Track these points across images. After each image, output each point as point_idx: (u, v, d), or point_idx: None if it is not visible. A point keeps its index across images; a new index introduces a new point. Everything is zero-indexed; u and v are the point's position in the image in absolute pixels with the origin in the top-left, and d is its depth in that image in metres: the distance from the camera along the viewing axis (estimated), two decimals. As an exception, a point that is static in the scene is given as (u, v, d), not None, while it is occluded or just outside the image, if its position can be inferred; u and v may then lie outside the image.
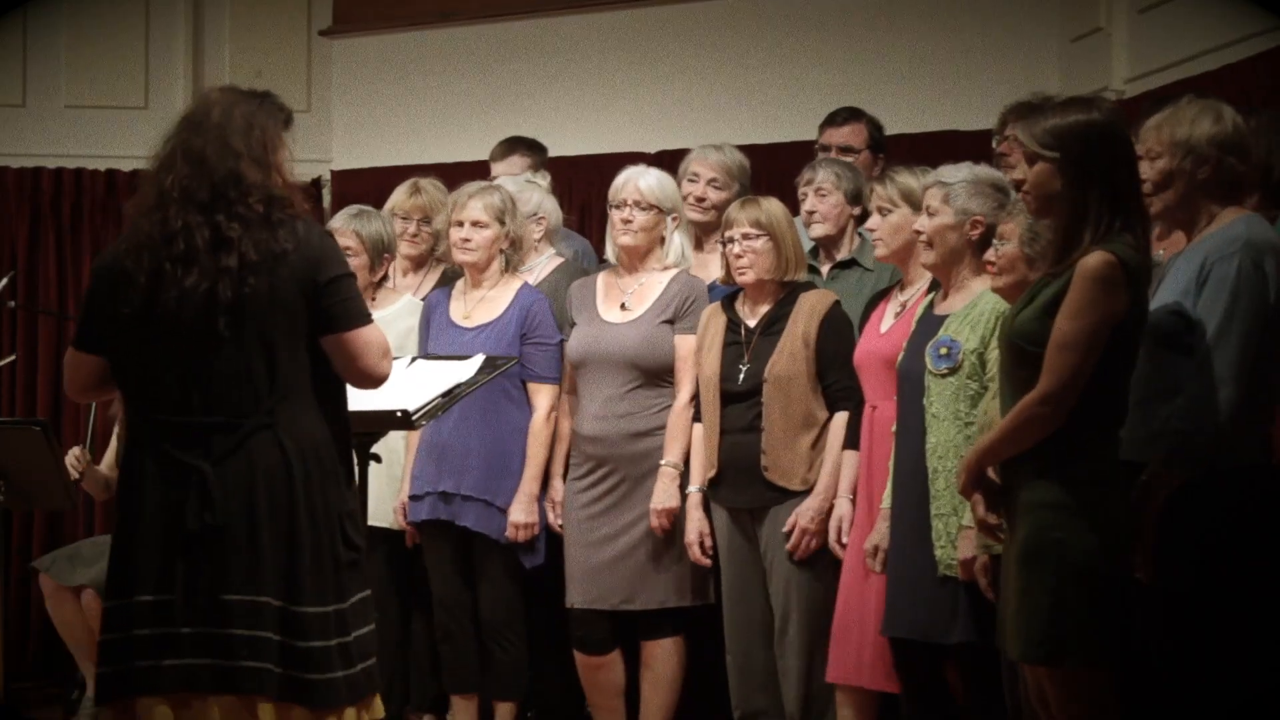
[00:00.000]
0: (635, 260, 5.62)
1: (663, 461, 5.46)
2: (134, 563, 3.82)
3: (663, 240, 5.61)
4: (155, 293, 3.78)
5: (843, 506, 5.13)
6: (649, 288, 5.60)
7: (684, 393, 5.50)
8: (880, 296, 5.26)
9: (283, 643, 3.75)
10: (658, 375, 5.53)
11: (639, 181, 5.58)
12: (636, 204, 5.56)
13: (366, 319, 3.86)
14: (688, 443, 5.47)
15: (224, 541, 3.76)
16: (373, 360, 3.86)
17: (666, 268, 5.61)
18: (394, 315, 5.85)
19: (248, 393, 3.78)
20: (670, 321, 5.53)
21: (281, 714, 3.77)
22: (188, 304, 3.76)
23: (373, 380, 3.89)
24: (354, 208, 6.07)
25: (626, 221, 5.57)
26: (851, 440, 5.17)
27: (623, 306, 5.60)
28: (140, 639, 3.79)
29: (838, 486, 5.16)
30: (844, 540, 5.09)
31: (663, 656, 5.53)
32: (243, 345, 3.76)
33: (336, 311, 3.81)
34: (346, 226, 5.87)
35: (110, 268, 3.86)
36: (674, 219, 5.61)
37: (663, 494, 5.44)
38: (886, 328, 5.09)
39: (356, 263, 5.77)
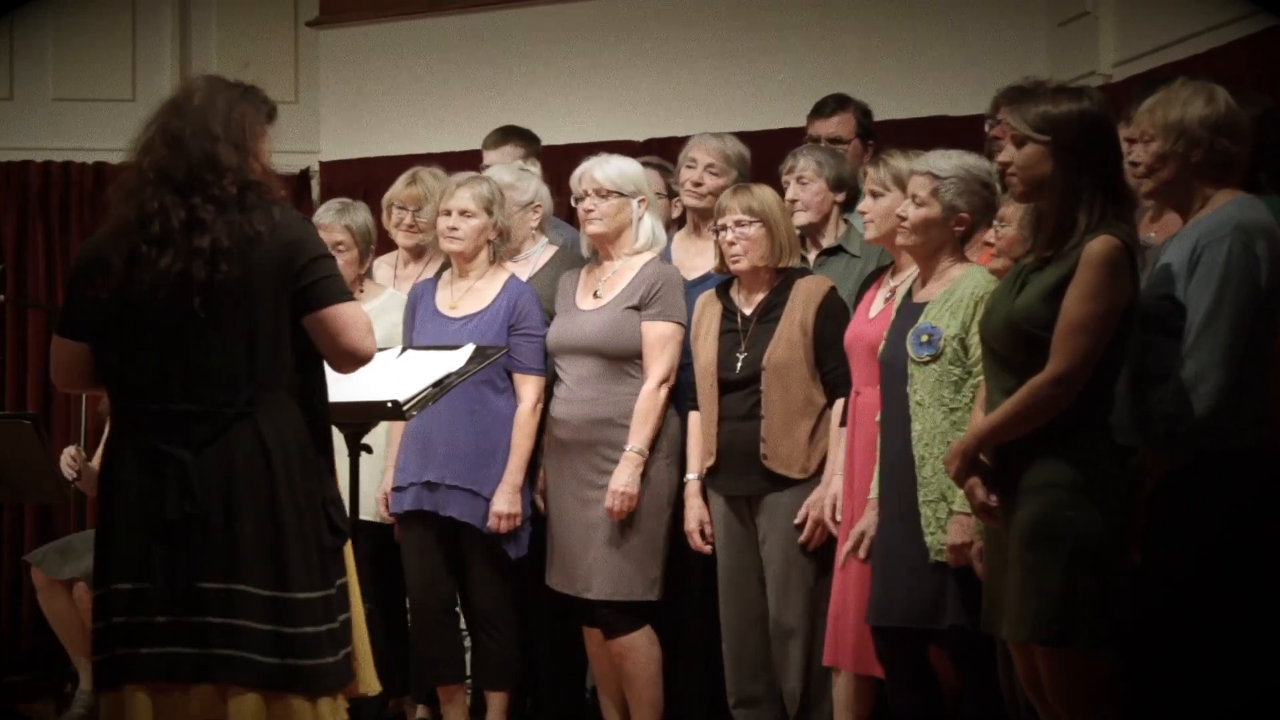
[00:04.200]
0: (607, 247, 5.62)
1: (628, 447, 5.44)
2: (114, 551, 3.84)
3: (632, 225, 5.61)
4: (131, 276, 3.79)
5: (835, 484, 5.12)
6: (621, 275, 5.60)
7: (652, 378, 5.48)
8: (872, 279, 5.26)
9: (275, 631, 3.76)
10: (622, 362, 5.52)
11: (594, 171, 5.59)
12: (596, 192, 5.57)
13: (347, 296, 3.87)
14: (654, 428, 5.45)
15: (202, 530, 3.76)
16: (356, 337, 3.85)
17: (638, 251, 5.61)
18: (378, 310, 5.87)
19: (226, 381, 3.78)
20: (636, 308, 5.52)
21: (271, 703, 3.77)
22: (162, 286, 3.77)
23: (355, 359, 3.88)
24: (337, 202, 6.12)
25: (589, 211, 5.58)
26: (844, 420, 5.16)
27: (595, 294, 5.61)
28: (119, 627, 3.81)
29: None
30: (838, 517, 5.09)
31: (627, 653, 5.50)
32: (220, 332, 3.77)
33: (316, 290, 3.82)
34: (336, 221, 5.90)
35: (91, 254, 3.87)
36: (641, 202, 5.61)
37: (622, 477, 5.42)
38: (875, 313, 5.08)
39: (347, 256, 5.84)
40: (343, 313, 3.83)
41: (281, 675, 3.76)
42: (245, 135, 3.86)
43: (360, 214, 5.97)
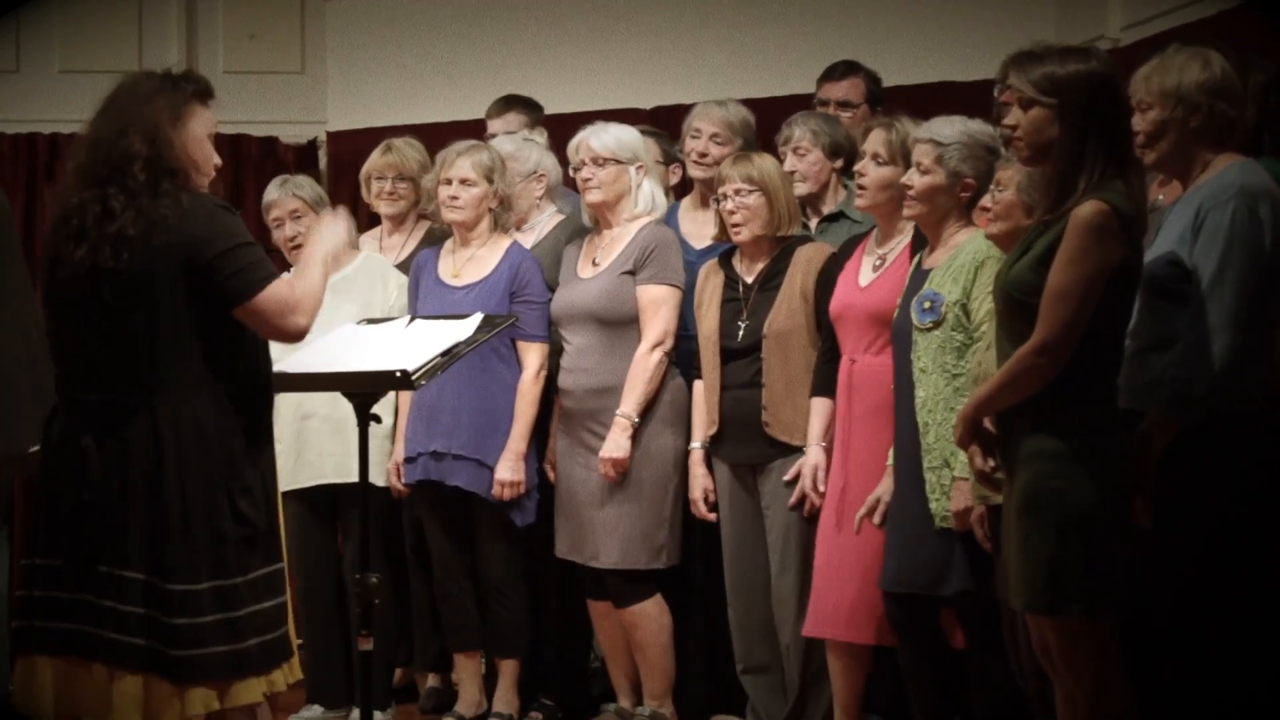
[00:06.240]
0: (606, 215, 5.62)
1: (618, 411, 5.45)
2: (35, 525, 4.00)
3: (630, 192, 5.60)
4: (54, 272, 3.95)
5: (815, 455, 5.13)
6: (618, 241, 5.60)
7: (646, 341, 5.47)
8: (853, 245, 5.24)
9: (148, 615, 3.85)
10: (622, 327, 5.52)
11: (590, 140, 5.59)
12: (593, 161, 5.57)
13: (263, 283, 3.92)
14: (646, 393, 5.45)
15: (99, 516, 3.88)
16: (278, 323, 3.94)
17: (636, 217, 5.60)
18: (354, 273, 5.90)
19: (128, 372, 3.89)
20: (631, 273, 5.52)
21: (150, 686, 3.86)
22: (77, 279, 3.90)
23: (290, 335, 3.99)
24: (280, 178, 6.20)
25: (587, 180, 5.57)
26: (818, 387, 5.16)
27: (594, 262, 5.61)
28: (32, 600, 3.94)
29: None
30: (821, 488, 5.09)
31: (638, 621, 5.51)
32: (125, 322, 3.88)
33: (233, 284, 3.90)
34: (284, 193, 5.97)
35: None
36: (639, 168, 5.60)
37: (612, 444, 5.43)
38: (867, 281, 5.08)
39: (307, 220, 5.88)
40: (261, 302, 3.91)
41: (150, 660, 3.84)
42: (159, 122, 3.93)
43: (305, 182, 6.06)
